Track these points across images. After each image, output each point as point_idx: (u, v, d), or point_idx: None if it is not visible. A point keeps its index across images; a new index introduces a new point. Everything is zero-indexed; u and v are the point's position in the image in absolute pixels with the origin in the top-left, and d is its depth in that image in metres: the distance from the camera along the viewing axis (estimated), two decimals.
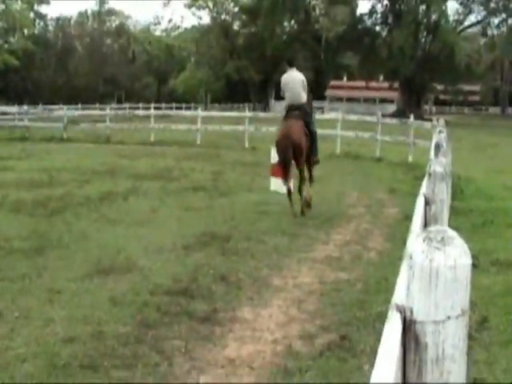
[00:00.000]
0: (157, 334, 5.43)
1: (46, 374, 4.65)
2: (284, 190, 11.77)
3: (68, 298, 6.37)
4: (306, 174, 11.55)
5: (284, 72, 11.83)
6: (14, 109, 37.20)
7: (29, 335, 5.39)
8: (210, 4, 78.64)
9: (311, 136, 11.41)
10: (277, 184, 13.02)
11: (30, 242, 8.66)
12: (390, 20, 67.66)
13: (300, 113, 11.33)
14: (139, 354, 5.03)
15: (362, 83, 76.60)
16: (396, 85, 70.64)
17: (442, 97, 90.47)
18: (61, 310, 5.99)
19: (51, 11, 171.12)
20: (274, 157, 12.48)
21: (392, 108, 70.67)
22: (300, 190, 11.37)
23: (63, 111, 33.65)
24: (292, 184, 11.32)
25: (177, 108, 59.98)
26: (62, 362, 4.83)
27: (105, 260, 7.73)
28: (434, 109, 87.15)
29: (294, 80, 11.47)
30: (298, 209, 11.09)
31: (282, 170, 11.23)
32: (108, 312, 5.96)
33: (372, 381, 1.35)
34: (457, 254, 1.52)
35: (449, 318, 1.53)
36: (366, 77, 73.57)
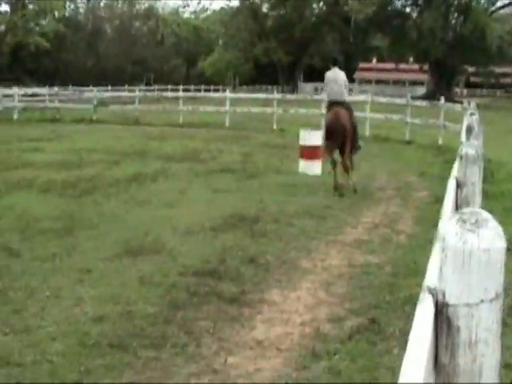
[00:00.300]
0: (185, 315, 5.46)
1: (76, 353, 4.70)
2: (313, 171, 12.16)
3: (98, 278, 6.42)
4: (348, 161, 12.08)
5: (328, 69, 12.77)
6: (44, 90, 37.47)
7: (59, 314, 5.45)
8: None
9: (354, 127, 12.36)
10: (306, 166, 13.10)
11: (60, 222, 8.75)
12: (420, 1, 66.75)
13: (343, 106, 12.30)
14: (167, 334, 5.05)
15: (391, 65, 75.74)
16: (426, 67, 69.85)
17: (473, 79, 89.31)
18: (90, 290, 6.05)
19: None
20: (305, 139, 12.68)
21: (422, 90, 69.98)
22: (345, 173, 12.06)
23: (93, 93, 33.80)
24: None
25: (205, 90, 59.97)
26: (92, 341, 4.88)
27: (134, 241, 7.78)
28: (464, 91, 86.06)
29: (338, 78, 12.42)
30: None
31: (328, 151, 12.13)
32: (137, 292, 6.00)
33: (404, 364, 1.33)
34: (491, 236, 1.49)
35: (482, 301, 1.50)
36: (396, 59, 72.64)
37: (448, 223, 1.55)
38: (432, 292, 1.58)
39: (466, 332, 1.52)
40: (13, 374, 4.37)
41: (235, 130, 24.59)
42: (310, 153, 13.53)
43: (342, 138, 11.81)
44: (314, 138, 13.74)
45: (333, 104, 12.31)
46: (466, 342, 1.53)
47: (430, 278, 1.87)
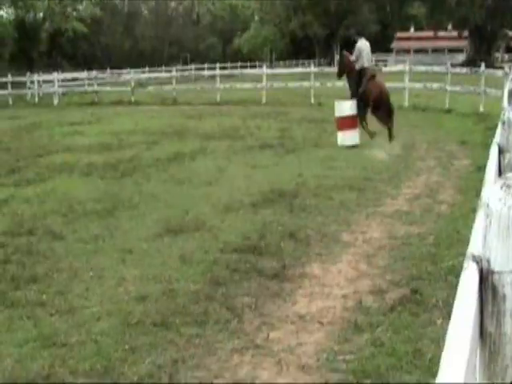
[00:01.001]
0: (227, 292, 5.48)
1: (120, 332, 4.76)
2: (352, 142, 12.44)
3: (139, 258, 6.49)
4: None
5: (353, 39, 15.46)
6: (83, 74, 37.83)
7: (103, 294, 5.52)
8: None
9: None
10: (343, 137, 13.03)
11: (101, 203, 8.85)
12: None
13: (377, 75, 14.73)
14: (210, 311, 5.08)
15: (429, 33, 74.38)
16: (465, 33, 68.46)
17: None
18: (133, 269, 6.11)
19: None
20: (340, 110, 12.73)
21: (462, 57, 68.61)
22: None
23: (130, 75, 33.98)
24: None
25: (242, 67, 59.75)
26: (135, 320, 4.93)
27: (174, 219, 7.82)
28: (506, 56, 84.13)
29: (368, 48, 14.58)
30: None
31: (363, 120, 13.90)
32: (178, 270, 6.04)
33: (449, 333, 1.30)
34: None
35: None
36: (434, 26, 71.38)
37: (491, 189, 1.51)
38: (476, 259, 1.54)
39: None
40: (59, 355, 4.44)
41: (273, 105, 24.49)
42: (346, 123, 13.56)
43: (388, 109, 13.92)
44: (349, 107, 13.79)
45: (365, 71, 14.24)
46: None
47: (474, 246, 1.82)
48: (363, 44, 14.56)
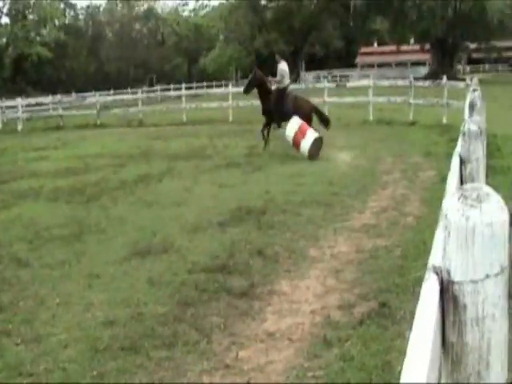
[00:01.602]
0: (196, 312, 5.45)
1: (88, 358, 4.70)
2: (313, 136, 14.24)
3: (107, 282, 6.42)
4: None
5: (278, 62, 16.43)
6: (48, 99, 37.50)
7: (70, 320, 5.45)
8: None
9: None
10: (305, 145, 14.01)
11: (68, 228, 8.76)
12: None
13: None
14: (179, 332, 5.05)
15: (392, 47, 75.42)
16: (428, 46, 69.45)
17: (475, 55, 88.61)
18: (100, 294, 6.05)
19: (81, 0, 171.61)
20: (290, 131, 14.49)
21: (425, 70, 69.53)
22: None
23: (96, 98, 33.84)
24: None
25: (207, 87, 59.82)
26: (103, 345, 4.88)
27: (142, 242, 7.78)
28: (467, 68, 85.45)
29: (287, 69, 16.21)
30: None
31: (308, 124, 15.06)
32: (147, 293, 6.00)
33: (410, 343, 1.31)
34: (493, 210, 1.46)
35: (487, 276, 1.47)
36: (397, 41, 72.34)
37: (450, 200, 1.53)
38: (437, 270, 1.56)
39: (473, 308, 1.50)
40: None
41: (239, 123, 24.53)
42: (299, 136, 14.35)
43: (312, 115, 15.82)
44: (294, 124, 14.59)
45: (285, 89, 16.07)
46: (473, 318, 1.51)
47: (435, 257, 1.84)
48: (284, 65, 16.25)
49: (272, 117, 16.04)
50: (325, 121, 15.90)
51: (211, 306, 5.61)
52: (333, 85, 29.02)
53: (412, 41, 75.15)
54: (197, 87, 57.97)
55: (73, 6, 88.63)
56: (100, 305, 5.77)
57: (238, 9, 78.75)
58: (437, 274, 1.52)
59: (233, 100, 27.29)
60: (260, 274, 6.39)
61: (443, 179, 9.23)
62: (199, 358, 4.63)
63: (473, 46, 76.65)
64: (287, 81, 16.25)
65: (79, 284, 6.40)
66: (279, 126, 16.15)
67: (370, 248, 7.12)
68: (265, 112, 16.24)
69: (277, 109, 15.78)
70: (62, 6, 79.05)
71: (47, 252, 7.65)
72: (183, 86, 35.77)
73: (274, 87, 16.38)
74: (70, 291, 6.19)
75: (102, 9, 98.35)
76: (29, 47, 67.25)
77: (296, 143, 14.40)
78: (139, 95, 32.83)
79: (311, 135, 14.34)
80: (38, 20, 70.78)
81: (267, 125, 16.11)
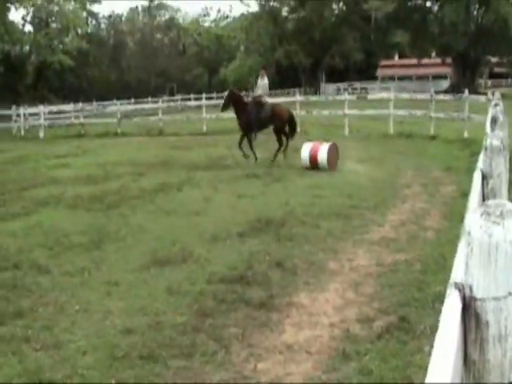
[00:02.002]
0: (214, 323, 5.46)
1: (107, 366, 4.72)
2: (326, 149, 14.38)
3: (126, 290, 6.45)
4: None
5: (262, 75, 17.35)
6: (69, 107, 37.84)
7: (89, 328, 5.48)
8: None
9: None
10: (322, 158, 14.38)
11: (88, 236, 8.80)
12: None
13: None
14: (197, 342, 5.05)
15: (413, 61, 75.26)
16: (449, 60, 69.22)
17: (496, 70, 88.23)
18: (119, 302, 6.07)
19: (103, 9, 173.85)
20: (305, 152, 14.67)
21: (446, 84, 69.36)
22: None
23: (116, 106, 34.04)
24: None
25: None
26: (122, 353, 4.89)
27: (161, 251, 7.80)
28: (489, 82, 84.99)
29: (267, 82, 17.14)
30: None
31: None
32: (165, 302, 6.01)
33: (432, 360, 1.30)
34: None
35: (510, 293, 1.47)
36: (418, 54, 72.19)
37: (472, 217, 1.52)
38: (459, 287, 1.55)
39: (495, 326, 1.50)
40: None
41: (259, 134, 24.48)
42: (314, 155, 14.50)
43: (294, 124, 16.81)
44: (306, 148, 14.83)
45: (261, 99, 16.66)
46: (495, 335, 1.51)
47: (457, 273, 1.83)
48: (266, 80, 17.16)
49: (250, 128, 16.55)
50: (293, 130, 16.47)
51: (230, 316, 5.61)
52: (353, 97, 29.00)
53: (433, 54, 74.95)
54: (217, 97, 58.11)
55: (95, 15, 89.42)
56: (119, 313, 5.79)
57: (259, 19, 78.99)
58: (459, 290, 1.52)
59: None
60: (279, 286, 6.38)
61: (464, 194, 9.21)
62: (217, 369, 4.63)
63: (494, 60, 76.37)
64: (259, 91, 17.09)
65: (98, 291, 6.43)
66: (255, 135, 16.93)
67: (390, 261, 7.10)
68: (241, 125, 16.79)
69: (256, 117, 16.27)
70: (84, 14, 79.70)
71: (67, 259, 7.69)
72: (203, 95, 35.89)
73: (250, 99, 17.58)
74: (89, 299, 6.22)
75: (123, 18, 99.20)
76: (51, 55, 67.84)
77: (313, 159, 14.42)
78: (159, 104, 32.99)
79: (324, 146, 14.50)
80: (61, 28, 71.38)
81: (243, 137, 16.67)
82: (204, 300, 6.02)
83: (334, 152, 14.39)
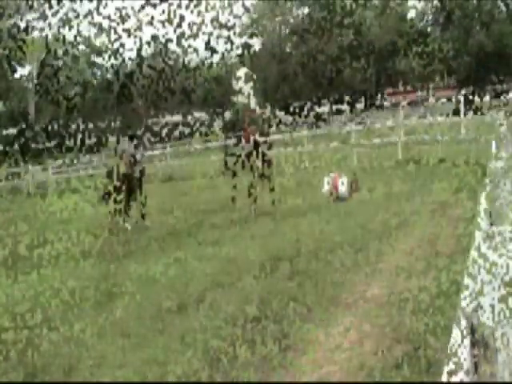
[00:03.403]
0: (229, 365, 5.40)
1: None
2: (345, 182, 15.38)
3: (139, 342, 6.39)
4: None
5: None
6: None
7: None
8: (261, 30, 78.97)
9: None
10: (342, 189, 15.26)
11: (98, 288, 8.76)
12: (441, 20, 66.66)
13: None
14: None
15: (418, 86, 75.59)
16: (453, 82, 69.46)
17: (501, 88, 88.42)
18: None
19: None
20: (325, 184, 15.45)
21: (451, 106, 69.53)
22: None
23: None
24: None
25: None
26: None
27: (173, 298, 7.74)
28: (493, 103, 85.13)
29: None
30: None
31: None
32: (179, 352, 5.95)
33: None
34: None
35: None
36: (422, 79, 72.51)
37: (478, 245, 1.54)
38: (467, 315, 1.56)
39: (504, 352, 1.50)
40: None
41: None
42: (336, 186, 15.39)
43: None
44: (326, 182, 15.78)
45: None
46: (505, 361, 1.51)
47: (465, 301, 1.84)
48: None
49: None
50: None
51: (245, 357, 5.55)
52: (360, 127, 28.99)
53: (437, 78, 75.32)
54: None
55: (100, 67, 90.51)
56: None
57: (262, 58, 79.64)
58: (467, 318, 1.51)
59: None
60: (293, 323, 6.32)
61: (474, 216, 9.11)
62: None
63: (499, 79, 76.59)
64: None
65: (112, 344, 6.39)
66: None
67: (402, 290, 7.02)
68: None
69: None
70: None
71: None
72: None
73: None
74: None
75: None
76: None
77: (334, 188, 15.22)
78: (168, 150, 33.16)
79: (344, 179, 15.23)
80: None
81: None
82: (217, 342, 5.96)
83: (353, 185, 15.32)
